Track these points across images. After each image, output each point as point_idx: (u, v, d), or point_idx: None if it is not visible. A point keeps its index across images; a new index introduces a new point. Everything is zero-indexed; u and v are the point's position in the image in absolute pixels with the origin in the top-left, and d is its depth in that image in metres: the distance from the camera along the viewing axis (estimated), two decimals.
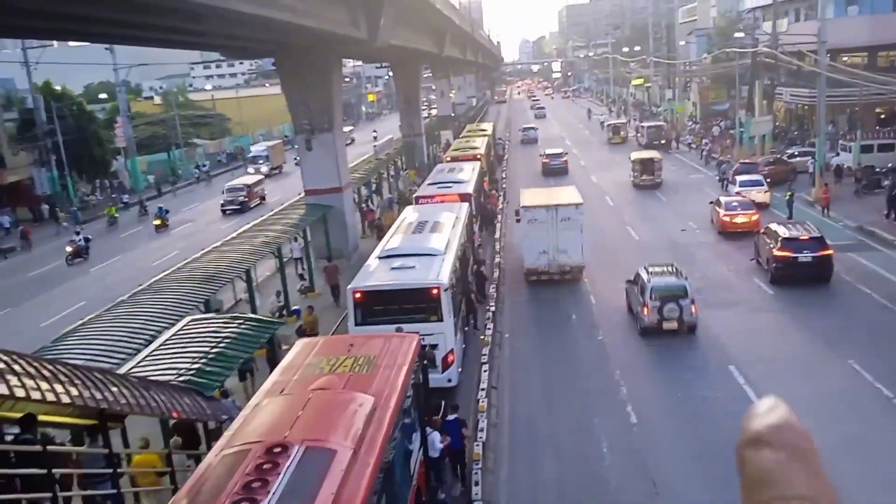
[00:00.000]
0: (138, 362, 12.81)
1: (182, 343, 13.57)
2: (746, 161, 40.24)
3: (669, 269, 20.67)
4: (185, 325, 14.35)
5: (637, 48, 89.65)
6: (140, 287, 18.32)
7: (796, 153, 41.45)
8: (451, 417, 13.38)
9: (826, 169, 34.81)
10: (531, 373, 18.11)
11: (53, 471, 8.46)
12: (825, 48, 33.33)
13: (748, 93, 49.70)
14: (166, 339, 13.92)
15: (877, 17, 43.55)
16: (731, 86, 57.27)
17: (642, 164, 40.46)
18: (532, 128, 67.05)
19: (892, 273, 22.90)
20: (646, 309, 19.10)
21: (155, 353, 13.34)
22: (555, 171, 43.41)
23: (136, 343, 13.97)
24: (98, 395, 9.09)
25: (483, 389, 15.72)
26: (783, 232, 23.01)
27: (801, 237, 22.46)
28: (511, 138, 68.35)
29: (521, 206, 25.59)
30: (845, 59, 44.87)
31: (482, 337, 19.11)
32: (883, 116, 44.69)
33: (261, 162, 59.60)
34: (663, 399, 16.21)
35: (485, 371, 16.63)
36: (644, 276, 19.94)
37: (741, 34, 49.22)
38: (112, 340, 14.18)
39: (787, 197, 31.47)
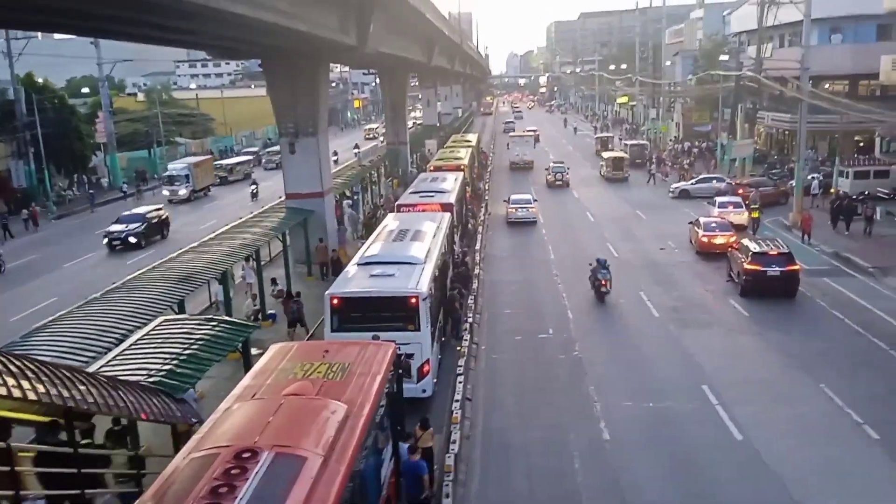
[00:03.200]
0: (108, 361, 12.57)
1: (154, 343, 13.33)
2: (734, 182, 40.88)
3: (562, 162, 50.21)
4: (157, 326, 14.12)
5: (623, 66, 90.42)
6: (113, 285, 18.04)
7: (770, 175, 42.46)
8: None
9: (806, 193, 35.40)
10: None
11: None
12: (808, 75, 33.83)
13: (731, 115, 50.29)
14: (138, 339, 13.66)
15: (859, 46, 44.28)
16: (714, 108, 58.02)
17: (613, 161, 50.95)
18: (511, 121, 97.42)
19: (866, 299, 23.17)
20: (549, 176, 48.14)
21: (125, 352, 13.09)
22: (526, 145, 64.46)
23: (106, 341, 13.71)
24: (65, 394, 8.88)
25: (457, 401, 15.63)
26: (754, 247, 24.08)
27: (771, 252, 23.53)
28: (496, 150, 69.29)
29: (510, 136, 65.45)
30: (827, 86, 45.58)
31: (458, 348, 19.02)
32: (861, 144, 45.37)
33: (178, 184, 48.97)
34: (634, 413, 16.22)
35: (460, 382, 16.53)
36: (550, 164, 49.14)
37: (726, 57, 49.84)
38: (82, 338, 13.91)
39: (754, 215, 32.73)
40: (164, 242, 35.95)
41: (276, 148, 65.38)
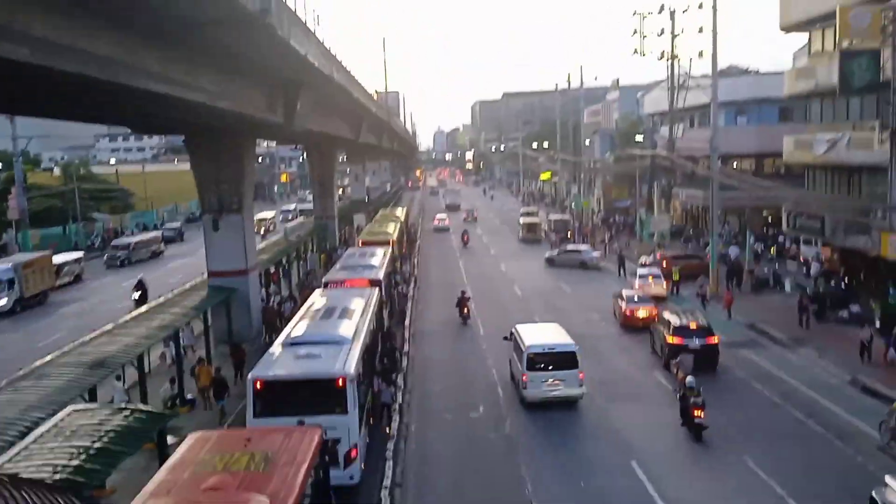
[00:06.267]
0: (11, 457, 11.70)
1: (62, 436, 12.49)
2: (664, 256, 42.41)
3: (472, 207, 79.84)
4: (66, 416, 13.29)
5: (546, 144, 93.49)
6: (21, 372, 17.00)
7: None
8: None
9: (726, 264, 37.33)
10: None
11: None
12: (717, 154, 35.74)
13: (648, 192, 52.41)
14: (45, 431, 12.80)
15: (763, 127, 47.12)
16: (632, 184, 60.34)
17: (528, 226, 60.38)
18: (438, 188, 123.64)
19: (783, 371, 23.96)
20: (464, 215, 76.18)
21: (31, 446, 12.22)
22: (453, 194, 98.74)
23: (9, 435, 12.81)
24: None
25: (387, 487, 15.15)
26: (675, 321, 24.68)
27: (691, 326, 24.28)
28: (424, 226, 70.35)
29: (445, 188, 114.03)
30: (735, 164, 48.15)
31: (387, 430, 18.58)
32: (769, 219, 47.77)
33: None
34: (566, 493, 16.04)
35: (388, 468, 16.07)
36: (466, 209, 79.50)
37: (641, 137, 52.25)
38: None
39: (676, 278, 35.33)
40: None
41: (125, 240, 55.77)
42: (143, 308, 24.40)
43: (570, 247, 48.85)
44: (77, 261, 47.02)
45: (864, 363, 23.70)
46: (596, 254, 46.62)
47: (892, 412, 17.86)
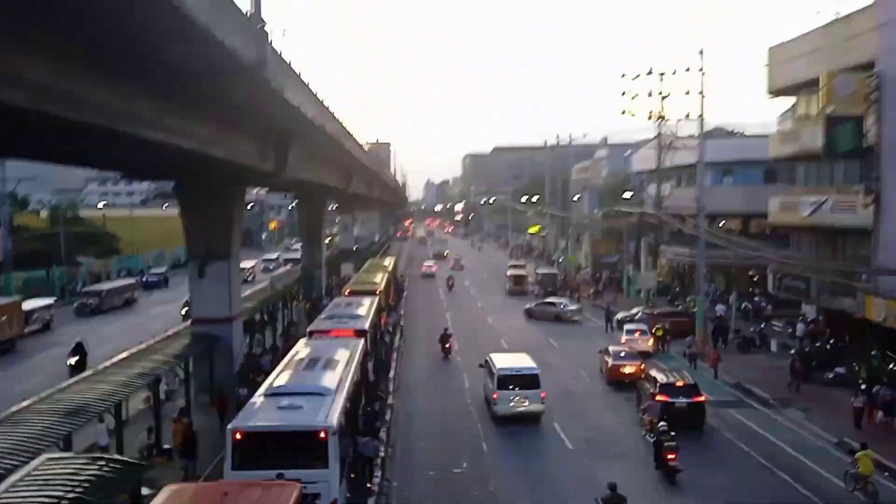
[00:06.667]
0: None
1: (34, 486, 12.14)
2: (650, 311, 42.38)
3: (459, 255, 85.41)
4: (39, 465, 12.93)
5: (535, 197, 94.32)
6: None
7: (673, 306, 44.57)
8: None
9: (709, 322, 37.21)
10: None
11: None
12: (704, 213, 36.12)
13: (635, 248, 52.75)
14: (17, 480, 12.45)
15: (749, 187, 47.77)
16: (619, 240, 60.77)
17: (515, 278, 61.05)
18: (426, 238, 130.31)
19: (770, 432, 23.78)
20: (451, 263, 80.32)
21: (2, 495, 11.88)
22: (440, 244, 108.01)
23: None
24: None
25: None
26: (661, 378, 24.44)
27: (677, 384, 24.05)
28: (412, 273, 70.46)
29: (433, 238, 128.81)
30: (722, 223, 48.63)
31: (369, 485, 18.20)
32: (755, 279, 48.08)
33: None
34: None
35: None
36: (453, 257, 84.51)
37: (628, 195, 52.84)
38: None
39: (659, 333, 35.39)
40: None
41: (97, 287, 52.57)
42: (125, 354, 24.00)
43: (549, 300, 50.25)
44: (47, 307, 44.76)
45: (859, 430, 23.18)
46: (573, 307, 47.80)
47: (854, 461, 18.12)
